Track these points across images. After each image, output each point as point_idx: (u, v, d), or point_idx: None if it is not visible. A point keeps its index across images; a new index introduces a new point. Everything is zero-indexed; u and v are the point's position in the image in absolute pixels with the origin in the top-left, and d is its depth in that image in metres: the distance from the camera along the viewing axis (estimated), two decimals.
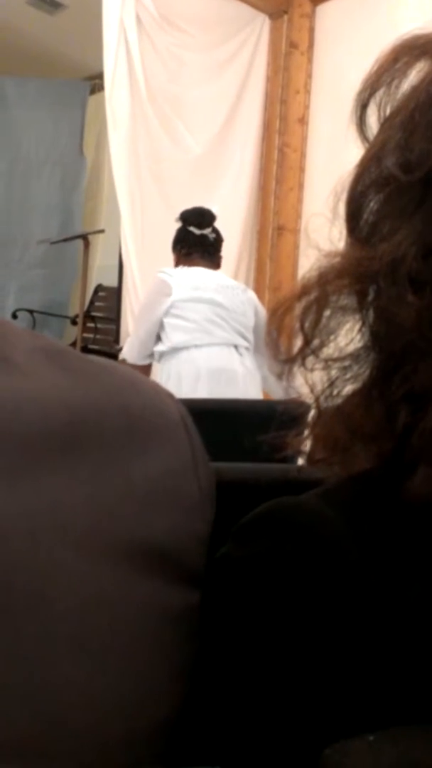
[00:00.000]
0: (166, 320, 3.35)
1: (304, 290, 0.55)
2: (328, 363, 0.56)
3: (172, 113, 4.80)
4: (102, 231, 5.80)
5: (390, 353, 0.52)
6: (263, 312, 3.59)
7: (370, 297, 0.53)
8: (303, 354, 0.56)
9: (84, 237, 5.32)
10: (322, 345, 0.55)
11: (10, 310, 6.76)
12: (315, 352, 0.55)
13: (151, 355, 3.43)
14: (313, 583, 0.49)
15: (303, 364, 0.56)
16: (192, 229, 3.52)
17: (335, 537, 0.50)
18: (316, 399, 0.57)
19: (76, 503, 0.47)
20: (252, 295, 3.58)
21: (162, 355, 3.39)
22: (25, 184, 6.75)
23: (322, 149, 4.91)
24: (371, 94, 0.56)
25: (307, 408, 0.59)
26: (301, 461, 0.64)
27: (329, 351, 0.56)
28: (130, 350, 3.46)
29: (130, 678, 0.47)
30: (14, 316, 6.71)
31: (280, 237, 5.09)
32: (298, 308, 0.56)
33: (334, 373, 0.56)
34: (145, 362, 3.45)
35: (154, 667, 0.49)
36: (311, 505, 0.53)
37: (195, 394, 3.23)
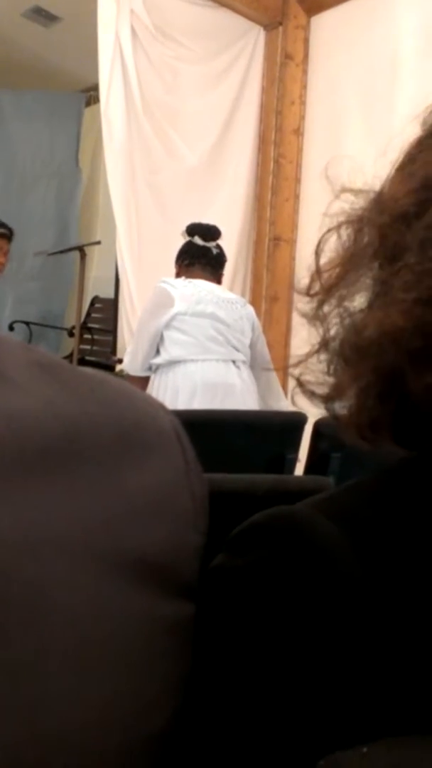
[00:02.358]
0: (166, 333, 3.35)
1: (333, 227, 0.57)
2: (345, 309, 0.56)
3: (167, 125, 4.81)
4: (98, 242, 5.80)
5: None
6: (260, 329, 3.60)
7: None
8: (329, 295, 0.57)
9: (80, 249, 5.33)
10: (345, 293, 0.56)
11: (7, 321, 6.77)
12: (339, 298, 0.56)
13: (150, 367, 3.43)
14: (308, 593, 0.49)
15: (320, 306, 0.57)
16: (196, 239, 3.53)
17: (329, 546, 0.50)
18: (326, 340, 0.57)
19: (71, 516, 0.47)
20: (251, 310, 3.58)
21: (159, 367, 3.39)
22: (21, 196, 6.76)
23: (318, 160, 4.92)
24: None
25: (305, 419, 0.59)
26: (297, 473, 0.64)
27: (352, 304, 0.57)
28: (132, 362, 3.45)
29: (124, 690, 0.47)
30: (11, 327, 6.71)
31: (277, 247, 5.10)
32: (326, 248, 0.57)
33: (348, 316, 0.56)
34: (147, 374, 3.45)
35: (149, 679, 0.49)
36: (305, 514, 0.53)
37: (191, 408, 3.22)
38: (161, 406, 0.59)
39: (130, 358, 3.47)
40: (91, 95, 6.66)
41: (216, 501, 0.60)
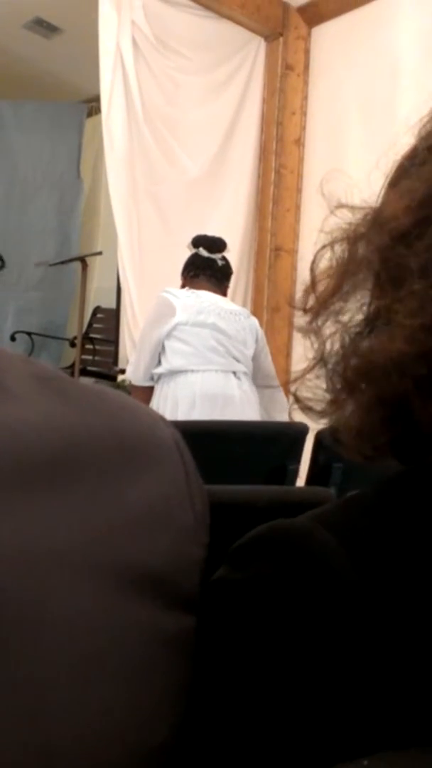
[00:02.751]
0: (167, 343, 3.35)
1: (328, 243, 0.57)
2: (342, 324, 0.56)
3: (168, 135, 4.82)
4: (100, 253, 5.81)
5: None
6: (264, 340, 3.60)
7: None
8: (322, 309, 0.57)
9: (82, 259, 5.34)
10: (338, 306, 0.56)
11: (9, 332, 6.77)
12: (333, 311, 0.56)
13: (152, 377, 3.43)
14: (309, 605, 0.49)
15: (316, 320, 0.57)
16: (201, 251, 3.53)
17: (329, 560, 0.50)
18: (322, 356, 0.57)
19: (71, 528, 0.47)
20: (254, 322, 3.58)
21: (159, 377, 3.39)
22: (22, 207, 6.77)
23: (319, 170, 4.93)
24: None
25: (306, 430, 0.59)
26: (298, 484, 0.64)
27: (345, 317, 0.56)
28: (135, 372, 3.45)
29: (124, 703, 0.47)
30: (13, 338, 6.72)
31: (278, 258, 5.10)
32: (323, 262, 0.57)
33: (345, 333, 0.56)
34: (150, 384, 3.45)
35: (149, 691, 0.49)
36: (305, 527, 0.53)
37: (190, 419, 3.23)
38: (161, 418, 0.59)
39: (133, 368, 3.47)
40: (92, 106, 6.68)
41: (217, 512, 0.60)
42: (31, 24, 5.69)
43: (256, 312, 5.14)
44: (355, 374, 0.53)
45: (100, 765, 0.45)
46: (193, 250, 3.56)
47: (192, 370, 3.34)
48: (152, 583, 0.50)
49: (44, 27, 5.75)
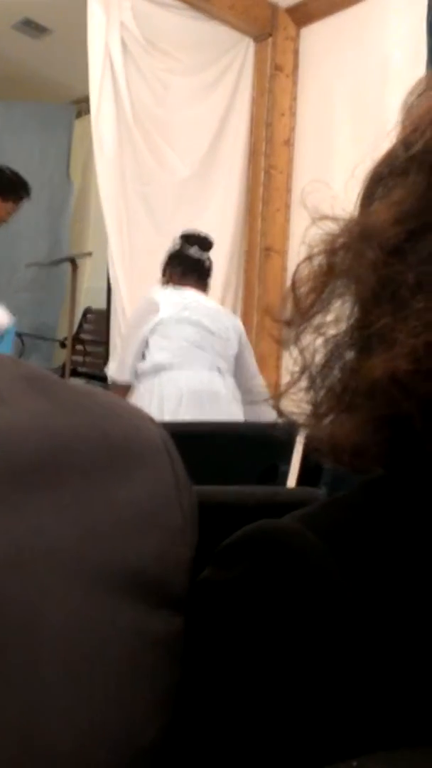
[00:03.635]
0: (151, 339, 3.35)
1: (309, 255, 0.56)
2: (323, 334, 0.56)
3: (158, 136, 4.81)
4: (89, 254, 5.80)
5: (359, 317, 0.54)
6: (247, 340, 3.60)
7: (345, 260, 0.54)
8: (302, 322, 0.57)
9: (72, 260, 5.33)
10: (317, 314, 0.56)
11: None
12: (314, 323, 0.56)
13: (135, 374, 3.43)
14: (294, 606, 0.49)
15: (298, 336, 0.57)
16: (192, 250, 3.53)
17: (315, 559, 0.50)
18: (306, 368, 0.57)
19: (60, 529, 0.47)
20: (238, 322, 3.59)
21: (143, 373, 3.39)
22: None
23: (308, 170, 4.93)
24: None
25: (296, 431, 0.59)
26: (289, 485, 0.64)
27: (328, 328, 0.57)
28: (120, 369, 3.44)
29: (114, 704, 0.47)
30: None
31: (268, 258, 5.10)
32: (302, 272, 0.57)
33: (329, 346, 0.56)
34: (130, 382, 3.45)
35: (139, 692, 0.49)
36: (291, 527, 0.53)
37: (177, 416, 3.24)
38: (149, 419, 0.59)
39: (117, 364, 3.46)
40: (81, 107, 6.65)
41: (207, 513, 0.60)
42: (19, 25, 5.68)
43: (246, 312, 5.14)
44: (353, 393, 0.53)
45: (91, 765, 0.45)
46: (181, 245, 3.56)
47: (177, 367, 3.35)
48: (141, 584, 0.50)
49: (33, 28, 5.73)
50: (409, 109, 0.57)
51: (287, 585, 0.50)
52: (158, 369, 3.35)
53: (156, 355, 3.34)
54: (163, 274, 3.58)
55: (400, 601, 0.49)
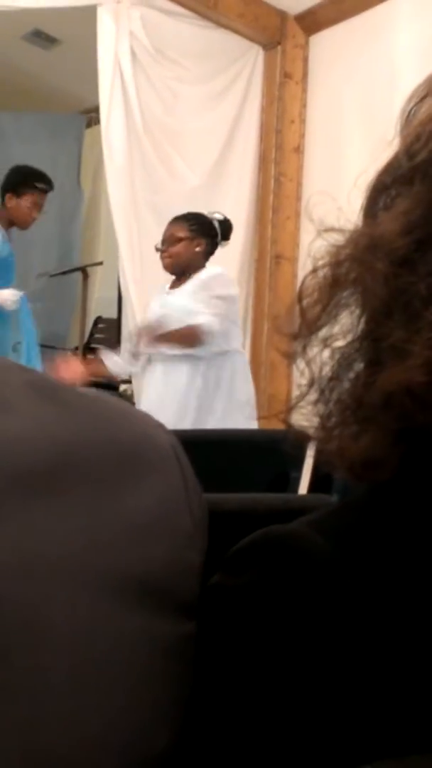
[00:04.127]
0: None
1: (314, 268, 0.56)
2: (330, 346, 0.56)
3: (168, 145, 4.83)
4: (100, 263, 5.81)
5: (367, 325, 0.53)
6: None
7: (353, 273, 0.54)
8: (308, 334, 0.56)
9: (83, 269, 5.34)
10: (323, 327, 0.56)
11: (10, 342, 6.76)
12: (320, 335, 0.56)
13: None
14: (304, 611, 0.49)
15: (304, 346, 0.57)
16: (221, 241, 3.66)
17: (325, 564, 0.50)
18: (314, 380, 0.57)
19: (68, 537, 0.47)
20: None
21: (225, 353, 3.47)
22: None
23: (318, 178, 4.94)
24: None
25: (307, 438, 0.58)
26: (301, 492, 0.63)
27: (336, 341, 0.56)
28: (215, 326, 3.39)
29: (124, 711, 0.47)
30: (14, 349, 6.71)
31: (278, 266, 5.10)
32: (308, 285, 0.56)
33: (337, 358, 0.56)
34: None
35: (148, 699, 0.49)
36: (300, 533, 0.53)
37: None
38: (159, 425, 0.59)
39: (219, 320, 3.40)
40: (91, 116, 6.68)
41: (218, 520, 0.60)
42: (29, 36, 5.70)
43: (256, 320, 5.15)
44: (367, 406, 0.53)
45: None
46: (218, 235, 3.64)
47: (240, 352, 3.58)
48: (151, 591, 0.50)
49: (43, 39, 5.76)
50: (408, 117, 0.57)
51: (297, 589, 0.50)
52: (233, 351, 3.49)
53: (232, 338, 3.48)
54: (199, 239, 3.60)
55: (411, 606, 0.48)
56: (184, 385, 3.43)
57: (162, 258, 3.55)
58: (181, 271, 3.55)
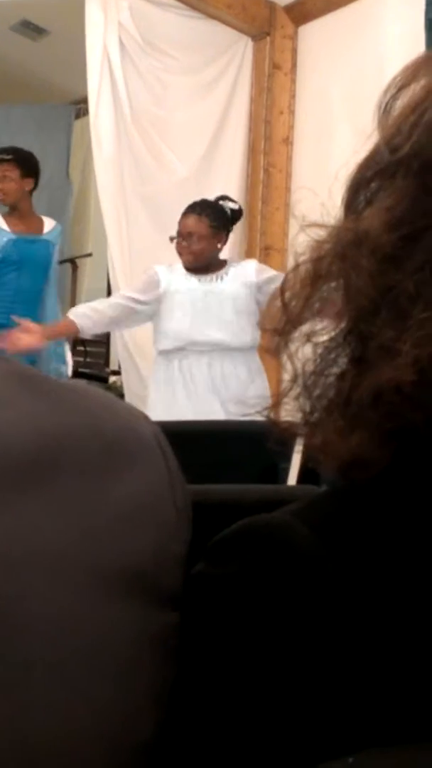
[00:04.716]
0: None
1: (296, 263, 0.56)
2: (312, 341, 0.56)
3: (157, 136, 4.81)
4: (89, 255, 5.80)
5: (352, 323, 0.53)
6: None
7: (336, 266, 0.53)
8: (291, 328, 0.56)
9: (72, 261, 5.32)
10: (306, 320, 0.56)
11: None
12: (303, 330, 0.56)
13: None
14: (287, 600, 0.49)
15: (286, 341, 0.57)
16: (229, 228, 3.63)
17: (307, 553, 0.50)
18: (297, 376, 0.57)
19: (52, 528, 0.47)
20: None
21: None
22: None
23: (307, 169, 4.93)
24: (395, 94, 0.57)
25: (295, 430, 0.58)
26: (290, 482, 0.63)
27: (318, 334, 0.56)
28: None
29: (109, 700, 0.47)
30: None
31: (268, 257, 5.09)
32: (290, 281, 0.56)
33: (320, 353, 0.56)
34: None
35: (134, 688, 0.49)
36: (283, 522, 0.53)
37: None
38: (143, 416, 0.59)
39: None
40: (80, 108, 6.65)
41: (207, 511, 0.60)
42: (17, 26, 5.68)
43: None
44: (356, 405, 0.52)
45: (85, 763, 0.45)
46: (231, 219, 3.63)
47: None
48: (135, 581, 0.50)
49: (31, 29, 5.73)
50: (386, 109, 0.57)
51: (280, 578, 0.50)
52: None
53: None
54: (220, 234, 3.59)
55: (395, 593, 0.49)
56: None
57: (181, 253, 3.53)
58: (204, 266, 3.54)
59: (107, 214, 4.68)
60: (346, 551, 0.50)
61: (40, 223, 4.71)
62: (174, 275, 3.56)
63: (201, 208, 3.54)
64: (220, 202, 3.63)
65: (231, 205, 3.66)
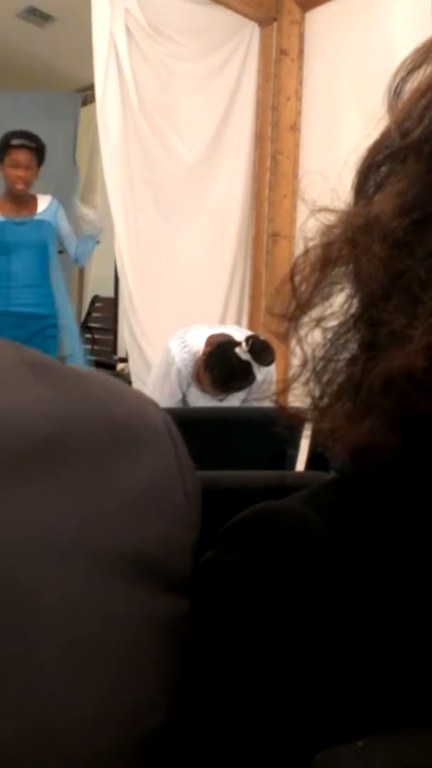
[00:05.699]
0: None
1: (306, 248, 0.56)
2: (322, 326, 0.56)
3: (163, 123, 4.80)
4: (97, 242, 5.79)
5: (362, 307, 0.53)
6: None
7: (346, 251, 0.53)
8: (300, 314, 0.56)
9: None
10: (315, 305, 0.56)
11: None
12: (312, 315, 0.56)
13: None
14: (297, 587, 0.49)
15: (296, 326, 0.57)
16: None
17: (318, 540, 0.50)
18: (306, 361, 0.57)
19: (61, 515, 0.47)
20: None
21: None
22: None
23: (315, 155, 4.91)
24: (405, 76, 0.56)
25: (303, 416, 0.58)
26: (298, 468, 0.63)
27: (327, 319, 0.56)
28: None
29: (118, 688, 0.47)
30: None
31: (275, 244, 5.09)
32: (300, 266, 0.56)
33: (329, 338, 0.56)
34: None
35: (143, 676, 0.49)
36: (293, 508, 0.53)
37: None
38: (152, 403, 0.59)
39: None
40: (87, 95, 6.63)
41: (215, 498, 0.60)
42: (24, 13, 5.66)
43: (254, 299, 5.14)
44: (367, 391, 0.52)
45: (93, 749, 0.46)
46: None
47: None
48: (144, 568, 0.50)
49: (37, 16, 5.71)
50: (396, 92, 0.57)
51: (291, 565, 0.50)
52: None
53: None
54: None
55: (404, 580, 0.49)
56: None
57: None
58: None
59: (114, 201, 4.68)
60: (357, 538, 0.50)
61: (34, 204, 4.71)
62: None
63: None
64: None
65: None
